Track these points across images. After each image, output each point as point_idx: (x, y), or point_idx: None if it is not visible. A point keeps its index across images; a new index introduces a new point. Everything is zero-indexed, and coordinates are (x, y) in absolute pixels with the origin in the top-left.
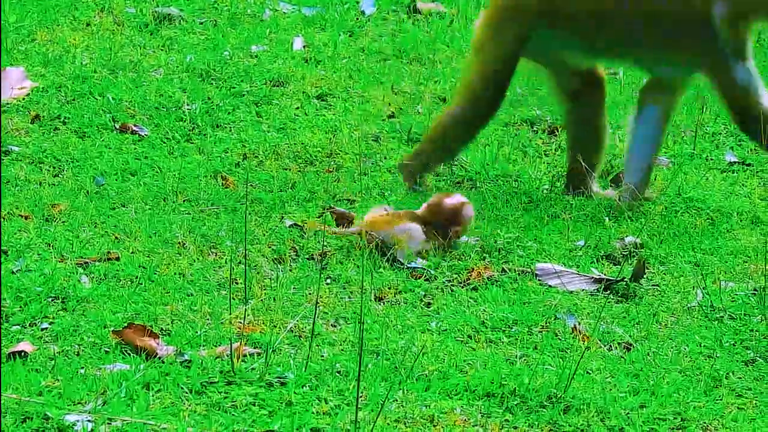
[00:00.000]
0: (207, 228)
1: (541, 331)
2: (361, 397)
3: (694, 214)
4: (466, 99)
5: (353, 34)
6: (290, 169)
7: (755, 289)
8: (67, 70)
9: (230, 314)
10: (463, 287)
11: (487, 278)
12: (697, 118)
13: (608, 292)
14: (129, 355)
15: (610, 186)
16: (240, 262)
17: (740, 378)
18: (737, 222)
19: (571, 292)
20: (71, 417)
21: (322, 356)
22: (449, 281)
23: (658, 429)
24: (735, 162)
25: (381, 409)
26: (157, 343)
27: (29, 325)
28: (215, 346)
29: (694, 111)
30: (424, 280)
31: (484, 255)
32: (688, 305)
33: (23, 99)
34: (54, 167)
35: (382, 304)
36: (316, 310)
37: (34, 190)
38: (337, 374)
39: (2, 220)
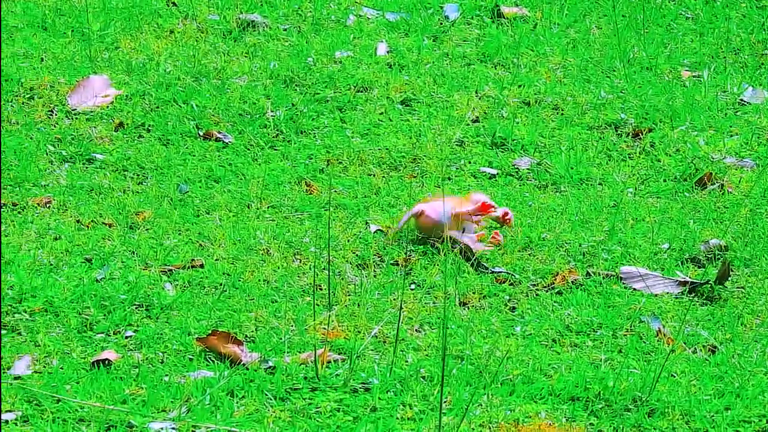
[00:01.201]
0: (291, 234)
1: (626, 335)
2: (445, 401)
3: None
4: None
5: (437, 38)
6: (374, 175)
7: None
8: (150, 78)
9: (314, 320)
10: (547, 291)
11: (572, 282)
12: None
13: (693, 294)
14: (213, 362)
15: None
16: (324, 268)
17: None
18: None
19: (656, 295)
20: (155, 425)
21: (407, 361)
22: (534, 285)
23: (743, 431)
24: None
25: (465, 413)
26: (242, 350)
27: (113, 333)
28: (299, 352)
29: None
30: (509, 285)
31: (569, 259)
32: None
33: (107, 107)
34: (138, 175)
35: (466, 308)
36: (400, 315)
37: (117, 197)
38: (422, 379)
39: (85, 227)
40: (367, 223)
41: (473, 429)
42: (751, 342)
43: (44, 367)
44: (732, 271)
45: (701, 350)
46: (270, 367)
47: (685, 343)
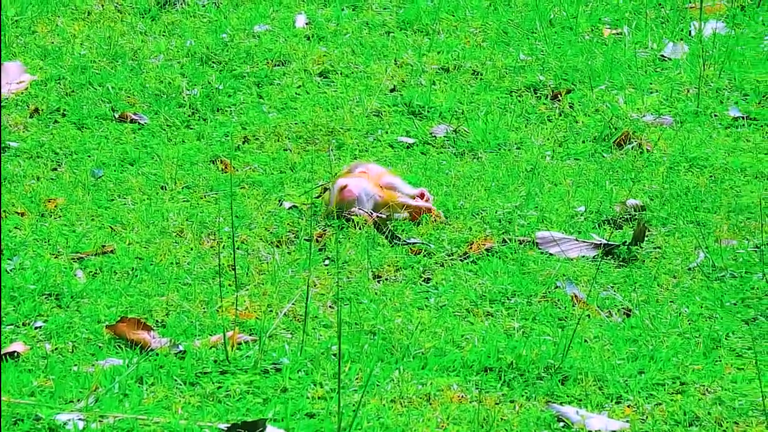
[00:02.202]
0: (205, 215)
1: (541, 301)
2: (357, 378)
3: (697, 172)
4: None
5: (356, 7)
6: (290, 150)
7: (756, 246)
8: (66, 62)
9: (222, 301)
10: (462, 261)
11: (487, 250)
12: (700, 74)
13: (609, 257)
14: (122, 349)
15: None
16: (237, 248)
17: (740, 338)
18: (740, 178)
19: (572, 259)
20: (62, 416)
21: (318, 339)
22: (449, 255)
23: (656, 395)
24: (739, 117)
25: (364, 390)
26: (151, 336)
27: (23, 325)
28: (210, 335)
29: (697, 67)
30: (424, 256)
31: (485, 226)
32: (689, 266)
33: (22, 93)
34: (52, 161)
35: (380, 282)
36: (308, 292)
37: (30, 185)
38: (333, 357)
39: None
40: (280, 200)
41: (384, 405)
42: (666, 303)
43: None
44: (648, 231)
45: (616, 314)
46: (180, 351)
47: (599, 307)
